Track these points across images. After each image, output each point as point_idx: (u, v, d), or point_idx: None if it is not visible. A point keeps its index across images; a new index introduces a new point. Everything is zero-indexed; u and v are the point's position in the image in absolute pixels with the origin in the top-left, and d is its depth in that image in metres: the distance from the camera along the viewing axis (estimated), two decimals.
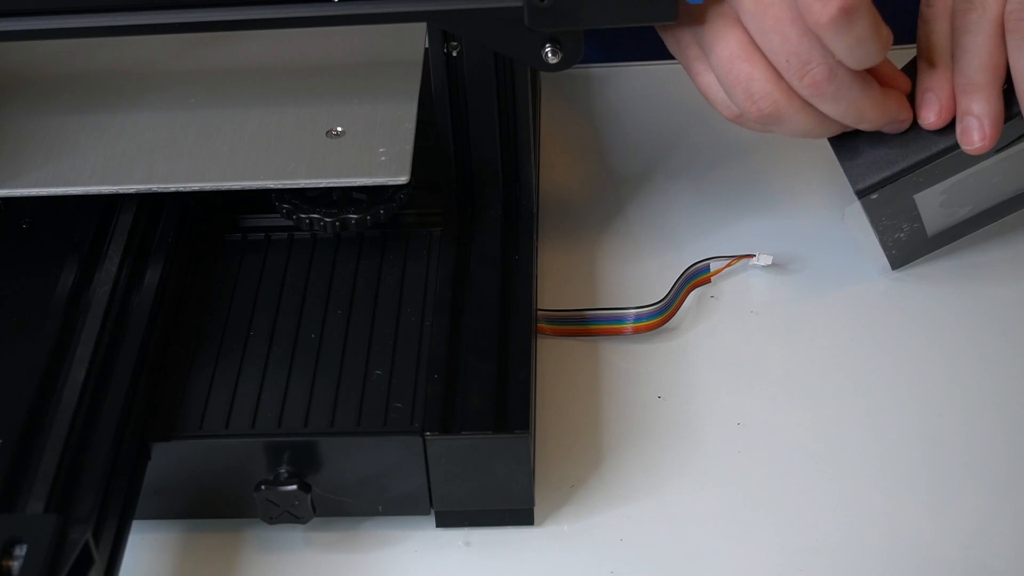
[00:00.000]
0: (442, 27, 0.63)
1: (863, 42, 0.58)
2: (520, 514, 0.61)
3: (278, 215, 0.67)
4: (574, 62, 0.62)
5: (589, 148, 0.79)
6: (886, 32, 0.59)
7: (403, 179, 0.63)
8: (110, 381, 0.59)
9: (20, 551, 0.50)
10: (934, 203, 0.67)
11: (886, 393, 0.66)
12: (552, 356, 0.68)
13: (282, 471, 0.59)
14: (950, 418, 0.65)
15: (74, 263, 0.64)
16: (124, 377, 0.59)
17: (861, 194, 0.65)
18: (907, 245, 0.70)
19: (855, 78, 0.60)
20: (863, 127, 0.64)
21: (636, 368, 0.68)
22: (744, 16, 0.60)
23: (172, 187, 0.64)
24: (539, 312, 0.68)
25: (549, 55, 0.61)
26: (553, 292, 0.71)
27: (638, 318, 0.68)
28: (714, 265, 0.70)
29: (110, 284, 0.63)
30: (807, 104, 0.62)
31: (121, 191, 0.64)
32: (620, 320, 0.69)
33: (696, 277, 0.70)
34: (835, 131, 0.65)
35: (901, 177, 0.65)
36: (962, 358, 0.67)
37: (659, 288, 0.70)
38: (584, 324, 0.69)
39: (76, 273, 0.64)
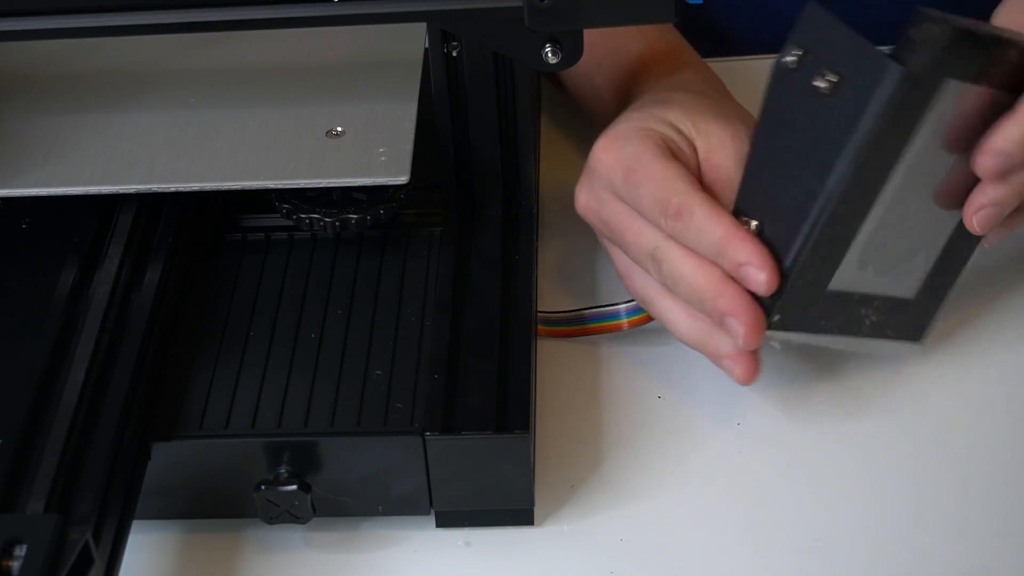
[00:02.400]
0: (442, 27, 0.63)
1: (696, 231, 0.61)
2: (520, 514, 0.61)
3: (278, 215, 0.67)
4: (574, 62, 0.62)
5: (589, 148, 0.79)
6: (724, 221, 0.60)
7: (403, 179, 0.63)
8: (110, 381, 0.59)
9: (20, 551, 0.50)
10: (868, 275, 0.62)
11: (885, 392, 0.66)
12: (552, 356, 0.68)
13: (282, 471, 0.59)
14: (949, 417, 0.65)
15: (74, 263, 0.64)
16: (124, 377, 0.59)
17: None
18: (897, 319, 0.64)
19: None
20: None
21: (636, 368, 0.68)
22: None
23: (172, 187, 0.64)
24: (537, 315, 0.68)
25: (549, 55, 0.61)
26: (553, 292, 0.71)
27: (630, 311, 0.68)
28: None
29: (110, 284, 0.63)
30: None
31: (121, 191, 0.64)
32: (615, 316, 0.68)
33: None
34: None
35: (786, 287, 0.59)
36: (960, 360, 0.67)
37: None
38: (581, 324, 0.69)
39: (76, 273, 0.64)
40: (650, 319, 0.67)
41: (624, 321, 0.68)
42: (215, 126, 0.66)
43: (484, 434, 0.58)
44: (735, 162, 0.63)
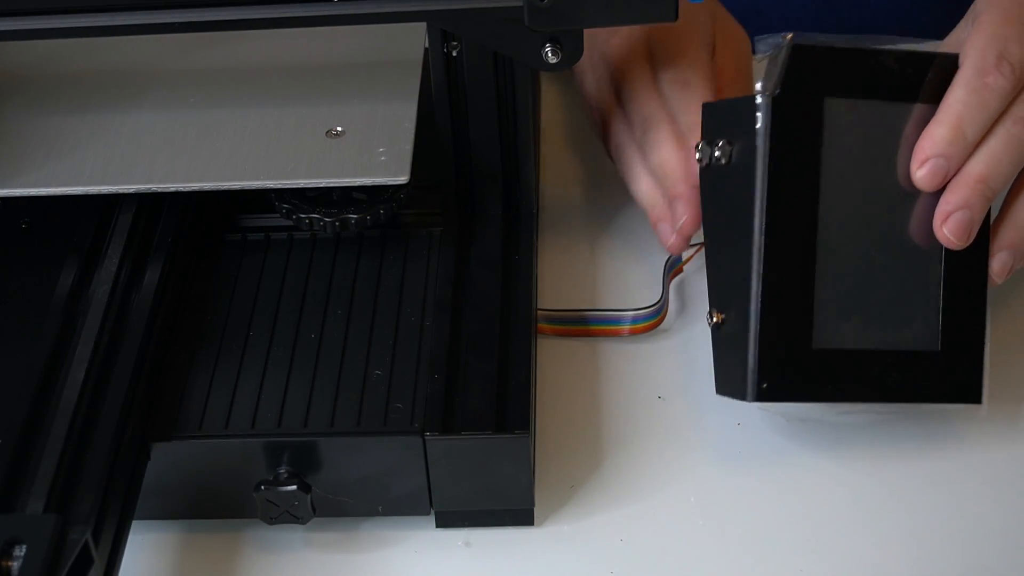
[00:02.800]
0: (442, 27, 0.63)
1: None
2: (520, 514, 0.61)
3: (278, 215, 0.67)
4: (574, 62, 0.62)
5: (589, 148, 0.79)
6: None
7: (403, 179, 0.63)
8: (110, 381, 0.59)
9: (20, 551, 0.50)
10: (858, 328, 0.61)
11: None
12: (552, 356, 0.68)
13: (282, 471, 0.59)
14: (949, 418, 0.65)
15: (74, 263, 0.64)
16: (124, 377, 0.59)
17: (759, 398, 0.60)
18: (931, 377, 0.62)
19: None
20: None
21: (636, 368, 0.68)
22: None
23: (172, 187, 0.64)
24: (539, 312, 0.68)
25: (549, 55, 0.61)
26: (553, 292, 0.71)
27: (635, 319, 0.68)
28: (685, 254, 0.70)
29: (110, 284, 0.63)
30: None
31: (121, 191, 0.64)
32: (617, 321, 0.69)
33: (672, 268, 0.70)
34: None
35: (749, 351, 0.60)
36: None
37: (658, 288, 0.70)
38: (583, 324, 0.69)
39: (76, 273, 0.64)
40: (651, 328, 0.68)
41: (626, 328, 0.68)
42: (215, 126, 0.66)
43: (484, 434, 0.58)
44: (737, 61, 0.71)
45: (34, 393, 0.58)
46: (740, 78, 0.71)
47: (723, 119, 0.61)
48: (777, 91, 0.58)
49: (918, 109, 0.60)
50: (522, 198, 0.69)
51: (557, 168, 0.78)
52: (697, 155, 0.62)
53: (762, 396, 0.60)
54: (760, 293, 0.59)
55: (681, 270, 0.70)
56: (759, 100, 0.59)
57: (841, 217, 0.60)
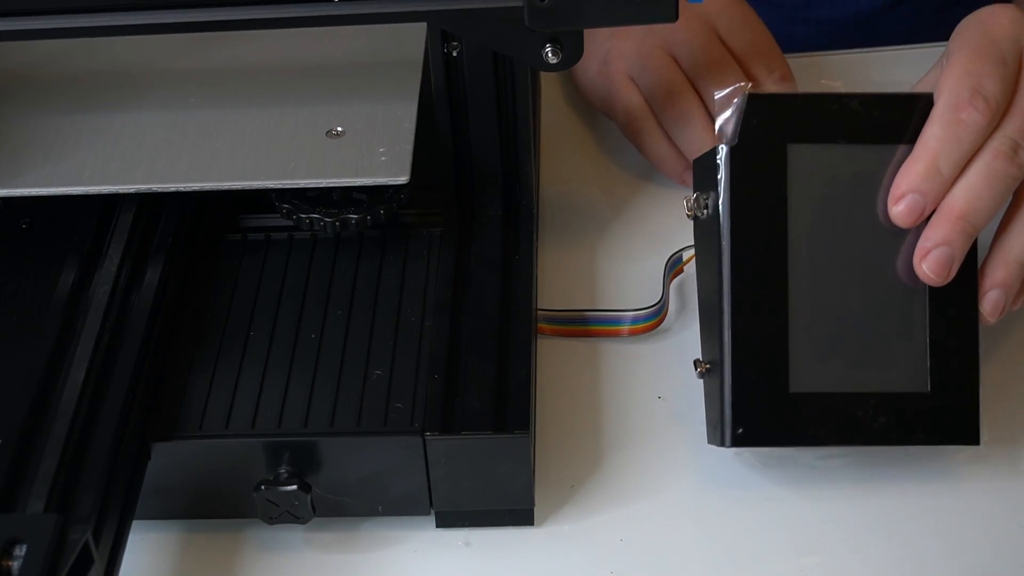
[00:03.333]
0: (442, 27, 0.63)
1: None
2: (520, 514, 0.61)
3: (278, 215, 0.67)
4: (574, 62, 0.62)
5: (589, 148, 0.79)
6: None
7: (403, 179, 0.63)
8: (110, 381, 0.59)
9: (20, 551, 0.50)
10: (839, 370, 0.61)
11: None
12: (552, 356, 0.68)
13: (282, 471, 0.59)
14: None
15: (74, 263, 0.64)
16: (124, 377, 0.59)
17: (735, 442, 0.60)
18: (920, 419, 0.61)
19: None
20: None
21: (636, 368, 0.68)
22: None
23: (172, 187, 0.64)
24: (539, 312, 0.68)
25: (549, 55, 0.61)
26: (553, 292, 0.71)
27: (635, 320, 0.69)
28: (686, 254, 0.70)
29: (110, 284, 0.63)
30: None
31: (121, 191, 0.64)
32: (617, 322, 0.69)
33: (673, 268, 0.70)
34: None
35: (725, 395, 0.60)
36: None
37: (659, 288, 0.70)
38: (583, 324, 0.69)
39: (76, 273, 0.64)
40: (650, 328, 0.68)
41: (626, 328, 0.69)
42: (215, 126, 0.66)
43: (484, 434, 0.58)
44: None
45: (34, 393, 0.58)
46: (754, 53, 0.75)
47: (703, 172, 0.62)
48: (735, 141, 0.60)
49: (889, 150, 0.61)
50: (522, 198, 0.69)
51: (557, 168, 0.78)
52: (687, 210, 0.63)
53: (737, 442, 0.60)
54: (731, 340, 0.60)
55: (681, 270, 0.71)
56: (720, 152, 0.60)
57: (814, 261, 0.60)
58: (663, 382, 0.67)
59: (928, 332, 0.60)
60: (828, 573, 0.60)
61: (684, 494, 0.63)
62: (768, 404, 0.60)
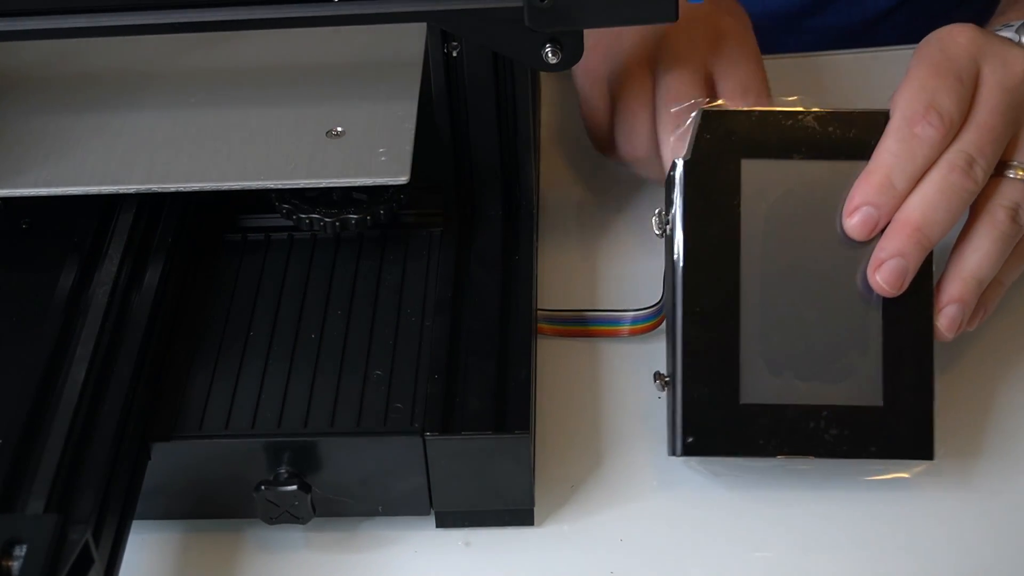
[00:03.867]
0: (442, 27, 0.63)
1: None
2: (520, 514, 0.61)
3: (278, 215, 0.67)
4: (574, 62, 0.62)
5: (589, 148, 0.79)
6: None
7: (403, 179, 0.63)
8: (110, 381, 0.59)
9: (20, 551, 0.50)
10: (791, 383, 0.61)
11: None
12: (552, 356, 0.68)
13: (282, 471, 0.59)
14: (947, 416, 0.65)
15: (74, 263, 0.64)
16: (124, 377, 0.59)
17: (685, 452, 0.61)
18: (873, 433, 0.61)
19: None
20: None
21: (636, 368, 0.68)
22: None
23: (172, 187, 0.64)
24: (539, 312, 0.68)
25: (549, 55, 0.61)
26: (553, 292, 0.71)
27: (635, 320, 0.69)
28: None
29: (110, 284, 0.63)
30: None
31: (121, 191, 0.64)
32: (617, 322, 0.69)
33: None
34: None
35: (675, 405, 0.61)
36: (962, 363, 0.67)
37: (659, 288, 0.70)
38: (583, 324, 0.69)
39: (76, 273, 0.64)
40: (650, 329, 0.68)
41: (626, 328, 0.69)
42: (215, 126, 0.66)
43: (484, 434, 0.58)
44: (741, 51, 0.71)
45: (34, 393, 0.58)
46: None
47: (666, 188, 0.63)
48: (689, 156, 0.61)
49: (843, 166, 0.61)
50: (522, 198, 0.69)
51: (557, 168, 0.78)
52: (655, 229, 0.63)
53: (687, 451, 0.61)
54: (682, 351, 0.61)
55: None
56: (676, 167, 0.61)
57: (766, 275, 0.61)
58: None
59: (882, 346, 0.60)
60: (827, 572, 0.59)
61: (684, 494, 0.63)
62: (719, 415, 0.60)
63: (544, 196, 0.74)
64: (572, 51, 0.61)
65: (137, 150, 0.65)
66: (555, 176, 0.77)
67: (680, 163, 0.61)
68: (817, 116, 0.62)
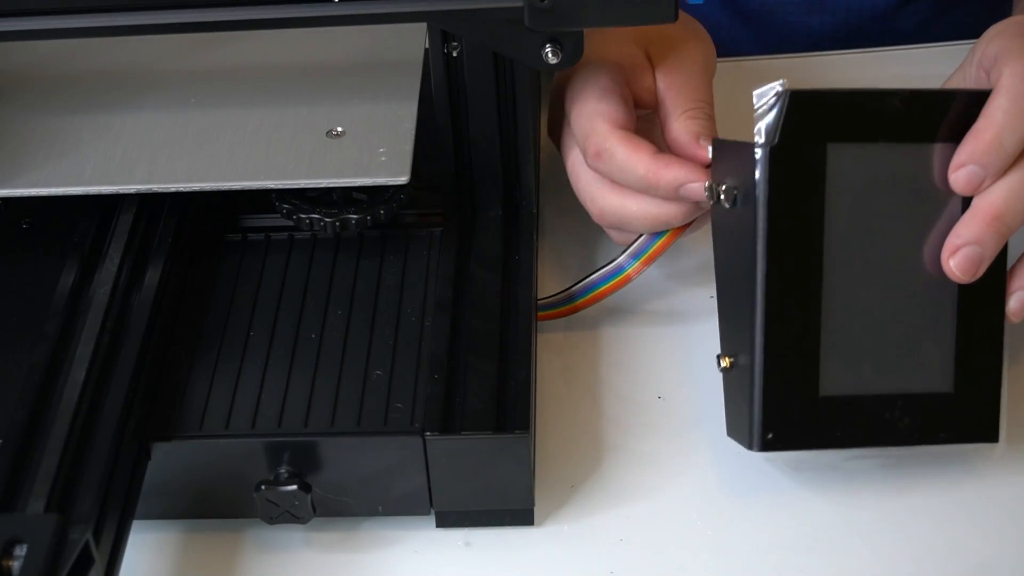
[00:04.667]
0: (442, 27, 0.63)
1: (620, 170, 0.65)
2: (520, 514, 0.61)
3: (278, 215, 0.67)
4: (574, 62, 0.62)
5: None
6: (643, 158, 0.64)
7: (403, 179, 0.63)
8: (110, 381, 0.59)
9: (20, 551, 0.50)
10: (868, 374, 0.61)
11: None
12: (552, 356, 0.68)
13: (282, 471, 0.59)
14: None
15: (74, 263, 0.64)
16: (124, 377, 0.59)
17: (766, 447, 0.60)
18: (944, 418, 0.61)
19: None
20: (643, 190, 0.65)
21: (636, 367, 0.68)
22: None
23: (172, 187, 0.64)
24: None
25: (549, 55, 0.61)
26: (553, 292, 0.71)
27: (633, 257, 0.67)
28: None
29: (110, 284, 0.63)
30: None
31: (121, 191, 0.64)
32: (620, 270, 0.67)
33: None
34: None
35: (754, 397, 0.60)
36: None
37: (659, 286, 0.70)
38: (583, 296, 0.68)
39: (76, 273, 0.64)
40: (651, 261, 0.67)
41: (630, 271, 0.67)
42: (215, 126, 0.66)
43: (484, 434, 0.58)
44: (685, 65, 0.67)
45: (35, 393, 0.58)
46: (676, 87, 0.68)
47: (730, 161, 0.60)
48: (776, 141, 0.58)
49: (930, 148, 0.59)
50: (522, 198, 0.69)
51: (557, 168, 0.78)
52: (706, 192, 0.62)
53: (767, 446, 0.59)
54: (763, 344, 0.59)
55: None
56: (758, 152, 0.58)
57: (848, 262, 0.59)
58: (663, 382, 0.67)
59: (955, 332, 0.60)
60: (830, 573, 0.60)
61: (684, 494, 0.63)
62: (798, 408, 0.59)
63: (544, 196, 0.74)
64: (572, 51, 0.61)
65: (137, 150, 0.65)
66: (555, 176, 0.77)
67: (765, 149, 0.58)
68: (903, 97, 0.59)
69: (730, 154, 0.61)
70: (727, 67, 0.85)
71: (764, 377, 0.59)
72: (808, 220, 0.59)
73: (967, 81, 0.63)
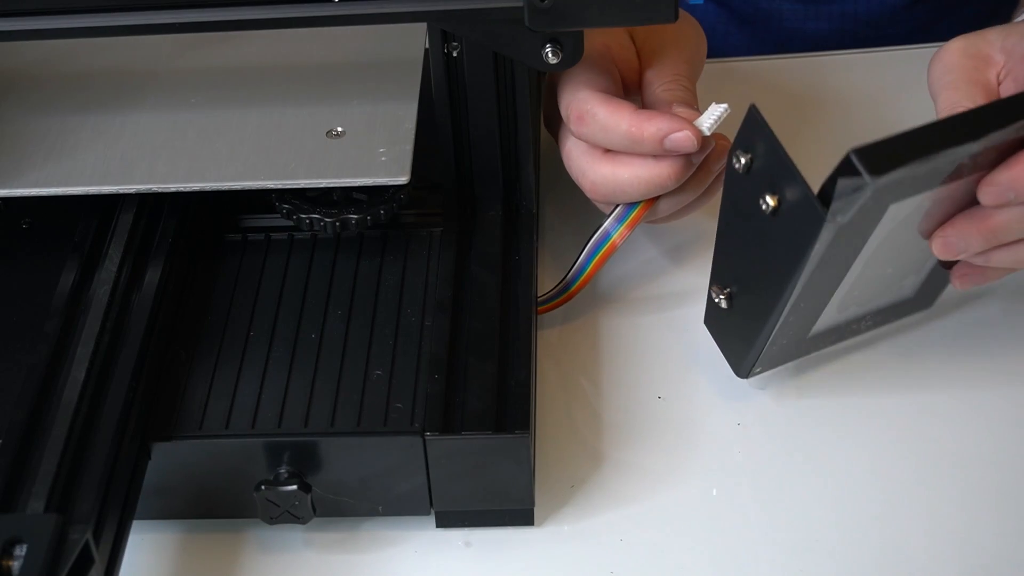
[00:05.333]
0: (442, 27, 0.63)
1: (604, 129, 0.64)
2: (520, 514, 0.61)
3: (278, 215, 0.67)
4: (574, 62, 0.62)
5: None
6: (625, 115, 0.64)
7: (403, 179, 0.63)
8: (110, 381, 0.59)
9: (20, 551, 0.50)
10: (852, 310, 0.65)
11: (887, 393, 0.66)
12: (552, 356, 0.68)
13: (282, 471, 0.59)
14: (953, 417, 0.65)
15: (74, 263, 0.64)
16: (124, 377, 0.59)
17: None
18: (900, 310, 0.68)
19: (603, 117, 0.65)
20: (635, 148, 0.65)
21: (636, 368, 0.68)
22: None
23: (172, 187, 0.64)
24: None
25: (549, 55, 0.61)
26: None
27: (617, 222, 0.67)
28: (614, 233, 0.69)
29: (110, 284, 0.63)
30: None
31: (121, 191, 0.64)
32: (606, 238, 0.67)
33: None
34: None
35: (757, 348, 0.63)
36: (963, 361, 0.67)
37: (659, 285, 0.70)
38: (577, 279, 0.68)
39: (76, 273, 0.64)
40: (634, 225, 0.67)
41: (615, 238, 0.67)
42: (215, 126, 0.66)
43: (484, 434, 0.58)
44: (665, 47, 0.68)
45: (35, 393, 0.58)
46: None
47: (775, 169, 0.57)
48: (846, 220, 0.56)
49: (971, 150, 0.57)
50: (522, 198, 0.69)
51: (557, 168, 0.78)
52: (733, 159, 0.58)
53: (750, 375, 0.65)
54: (781, 323, 0.61)
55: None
56: (821, 222, 0.55)
57: (870, 257, 0.60)
58: (663, 382, 0.67)
59: (932, 266, 0.65)
60: (830, 573, 0.60)
61: (684, 494, 0.63)
62: (788, 347, 0.64)
63: (544, 196, 0.74)
64: (572, 51, 0.62)
65: (137, 150, 0.65)
66: (555, 176, 0.77)
67: (831, 224, 0.55)
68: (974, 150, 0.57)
69: (776, 158, 0.57)
70: (726, 68, 0.85)
71: (771, 339, 0.62)
72: (851, 249, 0.59)
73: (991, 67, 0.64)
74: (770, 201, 0.57)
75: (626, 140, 0.64)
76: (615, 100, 0.64)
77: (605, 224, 0.67)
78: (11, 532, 0.50)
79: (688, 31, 0.71)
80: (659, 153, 0.64)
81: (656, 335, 0.69)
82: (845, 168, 0.54)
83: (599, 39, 0.68)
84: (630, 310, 0.71)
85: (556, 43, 0.61)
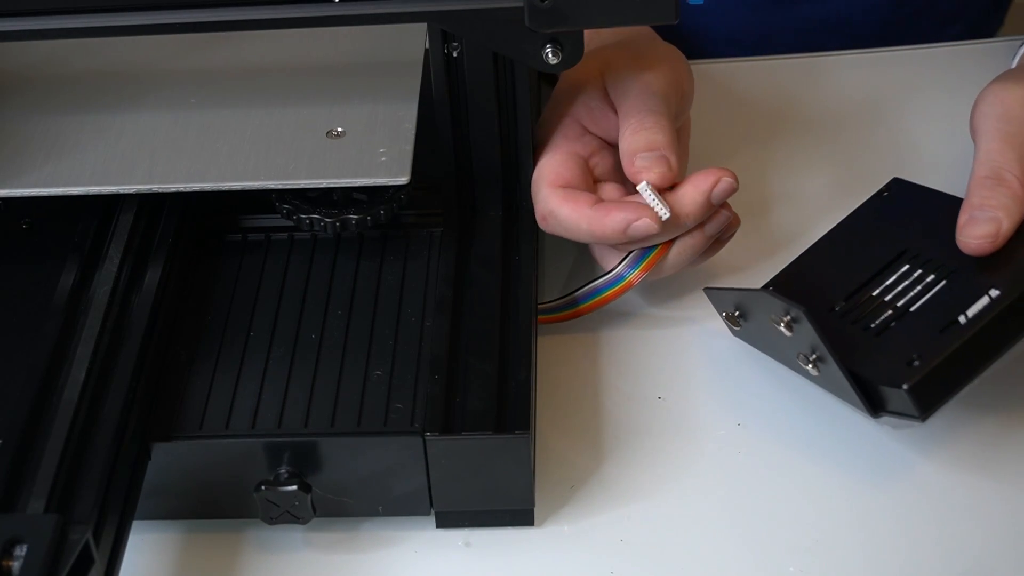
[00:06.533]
0: (442, 27, 0.63)
1: (567, 229, 0.66)
2: (520, 514, 0.61)
3: (278, 215, 0.67)
4: (574, 62, 0.62)
5: None
6: (584, 213, 0.65)
7: (403, 179, 0.63)
8: (110, 381, 0.59)
9: (20, 551, 0.50)
10: None
11: None
12: (552, 356, 0.68)
13: (282, 471, 0.59)
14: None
15: (74, 263, 0.64)
16: (124, 377, 0.59)
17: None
18: None
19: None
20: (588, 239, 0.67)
21: (636, 368, 0.68)
22: None
23: (172, 187, 0.64)
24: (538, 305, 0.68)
25: (550, 55, 0.61)
26: (553, 292, 0.71)
27: (631, 266, 0.67)
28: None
29: (110, 284, 0.63)
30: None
31: (121, 191, 0.64)
32: (620, 279, 0.67)
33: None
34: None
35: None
36: None
37: (660, 287, 0.70)
38: (575, 306, 0.68)
39: (76, 273, 0.64)
40: (650, 267, 0.67)
41: (631, 278, 0.67)
42: (215, 126, 0.66)
43: (484, 434, 0.58)
44: (631, 91, 0.67)
45: (35, 393, 0.58)
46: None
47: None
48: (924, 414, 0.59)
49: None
50: (522, 198, 0.69)
51: None
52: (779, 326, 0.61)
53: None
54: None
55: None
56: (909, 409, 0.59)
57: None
58: (663, 382, 0.67)
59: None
60: (830, 573, 0.60)
61: (684, 494, 0.63)
62: None
63: None
64: (572, 51, 0.62)
65: (137, 150, 0.65)
66: None
67: (916, 418, 0.59)
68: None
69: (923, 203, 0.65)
70: (728, 68, 0.85)
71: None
72: None
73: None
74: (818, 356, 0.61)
75: (590, 238, 0.66)
76: (573, 196, 0.65)
77: (618, 268, 0.67)
78: (11, 532, 0.50)
79: (663, 56, 0.70)
80: (624, 242, 0.65)
81: (656, 335, 0.69)
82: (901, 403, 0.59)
83: (573, 100, 0.69)
84: (630, 311, 0.71)
85: (556, 43, 0.61)
